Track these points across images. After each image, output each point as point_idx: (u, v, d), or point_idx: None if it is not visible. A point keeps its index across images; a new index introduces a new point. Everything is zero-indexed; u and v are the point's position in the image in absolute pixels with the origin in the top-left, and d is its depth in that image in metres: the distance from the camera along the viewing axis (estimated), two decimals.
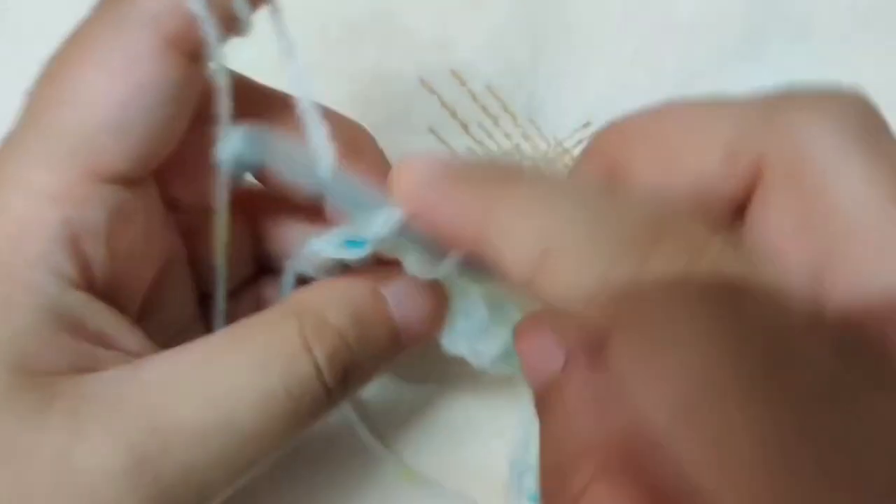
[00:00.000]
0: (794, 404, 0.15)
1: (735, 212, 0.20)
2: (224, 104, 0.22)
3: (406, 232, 0.21)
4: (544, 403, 0.21)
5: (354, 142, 0.26)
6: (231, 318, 0.26)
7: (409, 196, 0.20)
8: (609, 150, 0.22)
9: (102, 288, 0.23)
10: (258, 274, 0.29)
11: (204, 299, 0.28)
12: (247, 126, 0.21)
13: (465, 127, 0.35)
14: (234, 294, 0.29)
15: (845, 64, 0.36)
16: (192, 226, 0.27)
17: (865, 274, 0.17)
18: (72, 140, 0.22)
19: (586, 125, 0.35)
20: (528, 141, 0.35)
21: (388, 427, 0.34)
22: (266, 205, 0.27)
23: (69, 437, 0.20)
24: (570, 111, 0.36)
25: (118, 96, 0.22)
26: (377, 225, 0.21)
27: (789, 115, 0.19)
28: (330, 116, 0.24)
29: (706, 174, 0.19)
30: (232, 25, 0.23)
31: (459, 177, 0.19)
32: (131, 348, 0.23)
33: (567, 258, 0.17)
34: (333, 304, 0.24)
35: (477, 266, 0.21)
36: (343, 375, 0.23)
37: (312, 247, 0.24)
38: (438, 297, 0.26)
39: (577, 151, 0.35)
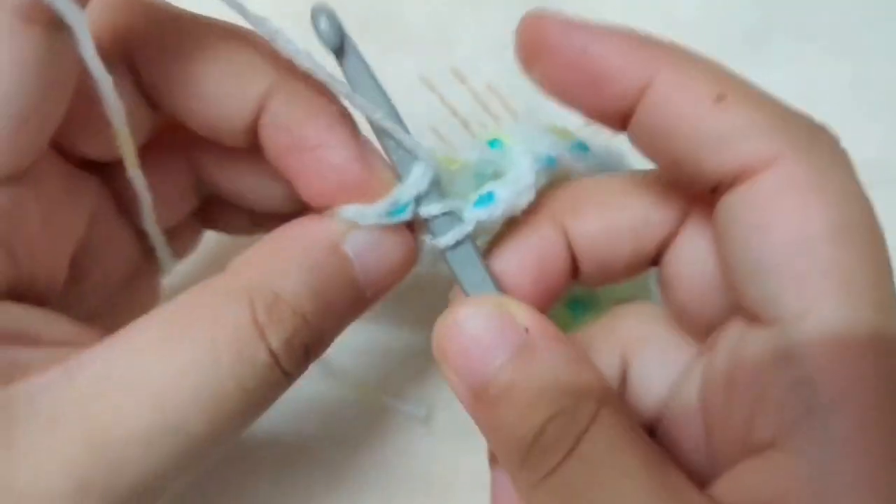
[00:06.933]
0: None
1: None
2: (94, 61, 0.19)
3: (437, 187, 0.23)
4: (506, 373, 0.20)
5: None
6: (177, 253, 0.26)
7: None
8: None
9: (12, 289, 0.21)
10: (208, 205, 0.27)
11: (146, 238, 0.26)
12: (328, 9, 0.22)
13: (465, 125, 0.35)
14: (179, 227, 0.27)
15: (845, 64, 0.36)
16: (118, 172, 0.24)
17: None
18: None
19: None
20: None
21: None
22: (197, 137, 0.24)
23: (7, 460, 0.18)
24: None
25: None
26: (413, 181, 0.22)
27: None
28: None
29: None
30: None
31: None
32: (59, 338, 0.20)
33: (743, 98, 0.20)
34: (289, 273, 0.21)
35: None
36: (304, 354, 0.20)
37: (347, 213, 0.22)
38: (404, 244, 0.23)
39: None
